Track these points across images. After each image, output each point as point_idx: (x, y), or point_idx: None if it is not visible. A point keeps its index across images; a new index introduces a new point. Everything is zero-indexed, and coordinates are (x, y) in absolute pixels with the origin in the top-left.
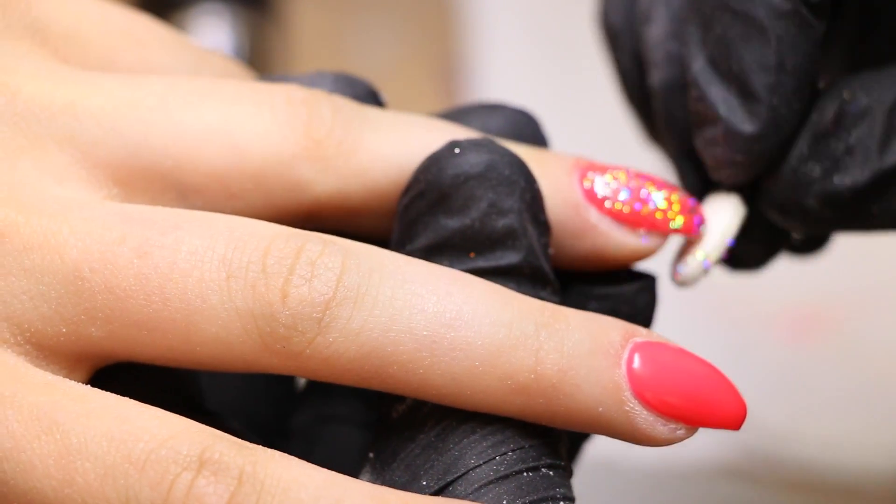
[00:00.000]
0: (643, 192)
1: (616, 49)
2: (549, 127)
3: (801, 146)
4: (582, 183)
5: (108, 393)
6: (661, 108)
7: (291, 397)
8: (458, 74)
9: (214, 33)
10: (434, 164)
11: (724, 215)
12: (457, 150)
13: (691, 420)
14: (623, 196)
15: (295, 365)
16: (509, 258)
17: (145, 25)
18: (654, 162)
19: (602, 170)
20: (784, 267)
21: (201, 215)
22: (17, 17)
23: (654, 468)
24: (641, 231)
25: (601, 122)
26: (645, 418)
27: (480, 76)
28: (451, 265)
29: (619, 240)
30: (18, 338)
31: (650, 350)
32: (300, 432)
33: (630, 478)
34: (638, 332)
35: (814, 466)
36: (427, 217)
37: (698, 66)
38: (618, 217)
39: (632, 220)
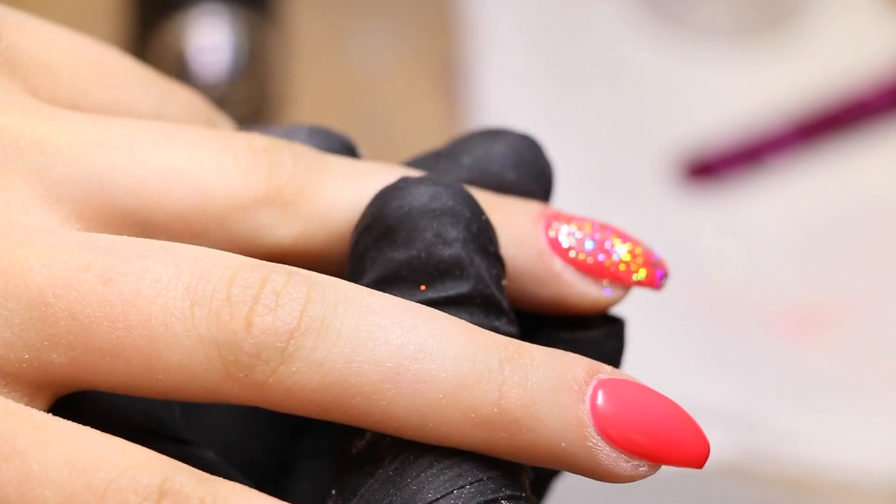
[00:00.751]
0: (607, 244)
1: None
2: (549, 126)
3: None
4: (547, 232)
5: (69, 422)
6: None
7: (284, 444)
8: (458, 75)
9: (214, 34)
10: (379, 199)
11: None
12: (401, 185)
13: (655, 457)
14: (587, 246)
15: (257, 395)
16: (458, 288)
17: (114, 59)
18: (647, 156)
19: (567, 220)
20: (784, 267)
21: (166, 245)
22: None
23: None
24: (605, 282)
25: (600, 122)
26: (608, 455)
27: (480, 76)
28: (401, 298)
29: (582, 290)
30: None
31: (614, 387)
32: (302, 466)
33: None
34: (602, 370)
35: (814, 465)
36: (374, 251)
37: None
38: (581, 267)
39: (595, 270)
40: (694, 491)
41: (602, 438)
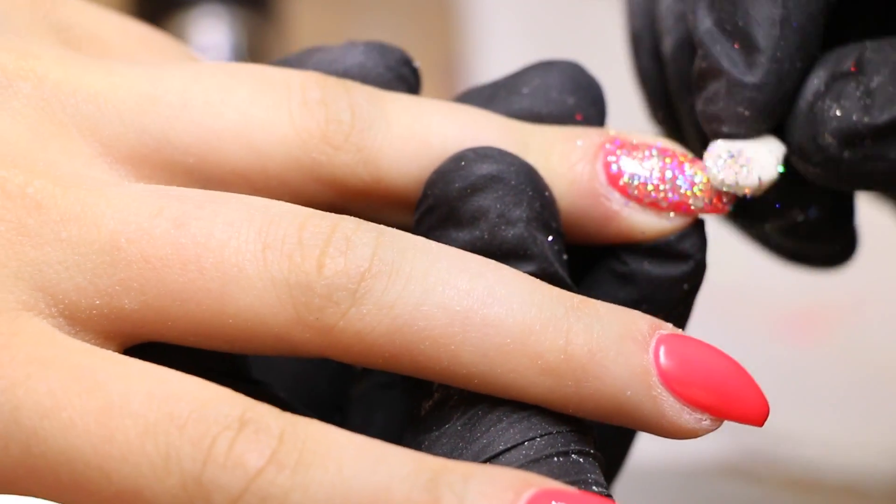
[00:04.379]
0: (669, 174)
1: (637, 52)
2: None
3: (817, 83)
4: (607, 167)
5: (145, 361)
6: (673, 71)
7: (349, 373)
8: (458, 74)
9: (214, 35)
10: (441, 179)
11: (765, 146)
12: (462, 163)
13: (717, 412)
14: (651, 177)
15: (327, 341)
16: (523, 268)
17: (162, 38)
18: None
19: (630, 148)
20: (785, 268)
21: (236, 195)
22: (42, 16)
23: (655, 467)
24: (669, 213)
25: None
26: (672, 405)
27: (480, 76)
28: None
29: (645, 223)
30: (52, 309)
31: (676, 342)
32: (359, 401)
33: (630, 477)
34: (664, 326)
35: (814, 466)
36: (438, 231)
37: (705, 27)
38: (643, 201)
39: (657, 204)
40: (694, 490)
41: (666, 389)
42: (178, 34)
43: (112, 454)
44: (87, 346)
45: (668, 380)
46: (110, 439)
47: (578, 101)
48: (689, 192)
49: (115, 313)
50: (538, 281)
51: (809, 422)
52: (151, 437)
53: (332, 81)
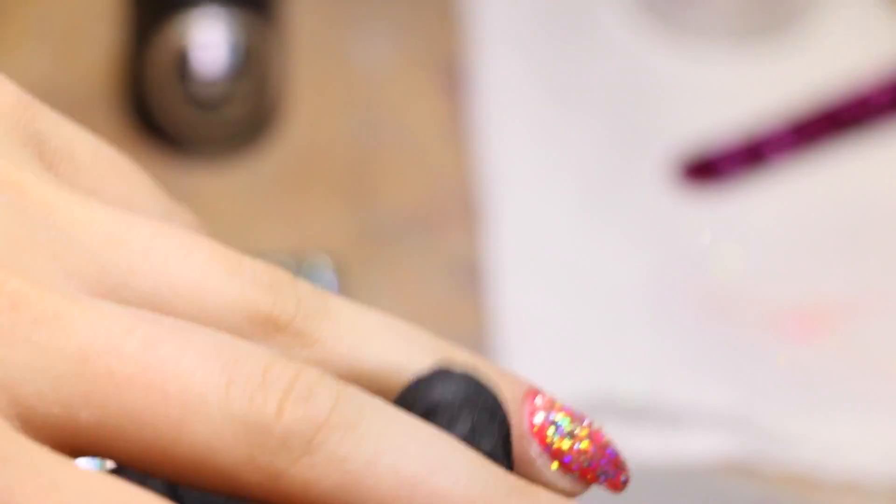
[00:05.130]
0: (581, 440)
1: None
2: (550, 126)
3: None
4: (531, 416)
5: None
6: None
7: None
8: (458, 74)
9: (213, 35)
10: (423, 385)
11: None
12: (442, 376)
13: None
14: (564, 437)
15: (274, 486)
16: None
17: (129, 163)
18: (648, 156)
19: (550, 406)
20: (785, 267)
21: (206, 329)
22: (23, 126)
23: (655, 467)
24: (573, 476)
25: (600, 121)
26: None
27: (481, 76)
28: None
29: (549, 479)
30: (10, 410)
31: None
32: None
33: (630, 477)
34: None
35: (814, 466)
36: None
37: None
38: (555, 456)
39: (568, 466)
40: (694, 490)
41: None
42: (178, 35)
43: None
44: (44, 448)
45: None
46: None
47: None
48: (591, 462)
49: (71, 425)
50: (483, 459)
51: (809, 421)
52: None
53: (282, 275)
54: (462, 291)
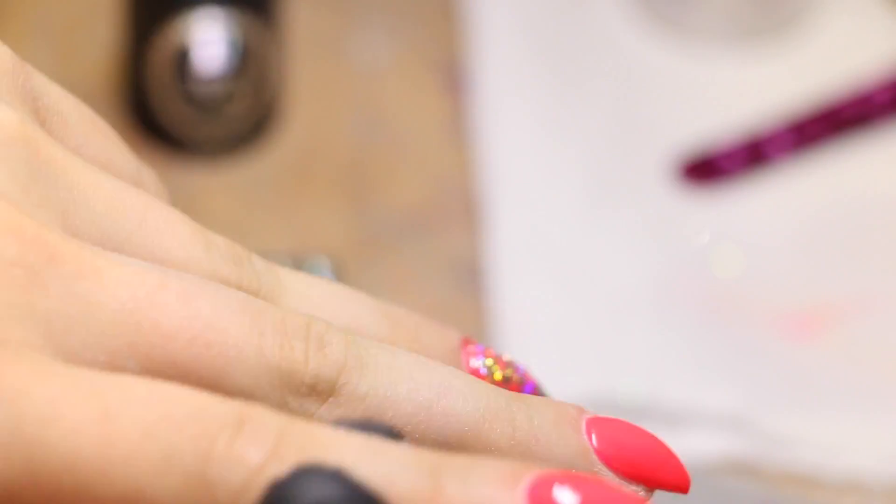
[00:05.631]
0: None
1: None
2: (550, 126)
3: None
4: (468, 359)
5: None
6: None
7: None
8: (459, 74)
9: (213, 35)
10: (273, 494)
11: None
12: (291, 479)
13: (648, 483)
14: (490, 372)
15: None
16: None
17: (104, 123)
18: (648, 156)
19: (483, 352)
20: (785, 267)
21: (222, 285)
22: (21, 84)
23: None
24: None
25: (601, 121)
26: (612, 480)
27: (481, 75)
28: None
29: None
30: (56, 356)
31: (603, 424)
32: None
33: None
34: (586, 411)
35: (814, 466)
36: None
37: None
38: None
39: None
40: (694, 489)
41: (605, 465)
42: (178, 35)
43: (114, 458)
44: (81, 368)
45: (603, 458)
46: (112, 444)
47: None
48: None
49: (117, 371)
50: (476, 378)
51: (810, 422)
52: (152, 438)
53: (240, 250)
54: (462, 291)
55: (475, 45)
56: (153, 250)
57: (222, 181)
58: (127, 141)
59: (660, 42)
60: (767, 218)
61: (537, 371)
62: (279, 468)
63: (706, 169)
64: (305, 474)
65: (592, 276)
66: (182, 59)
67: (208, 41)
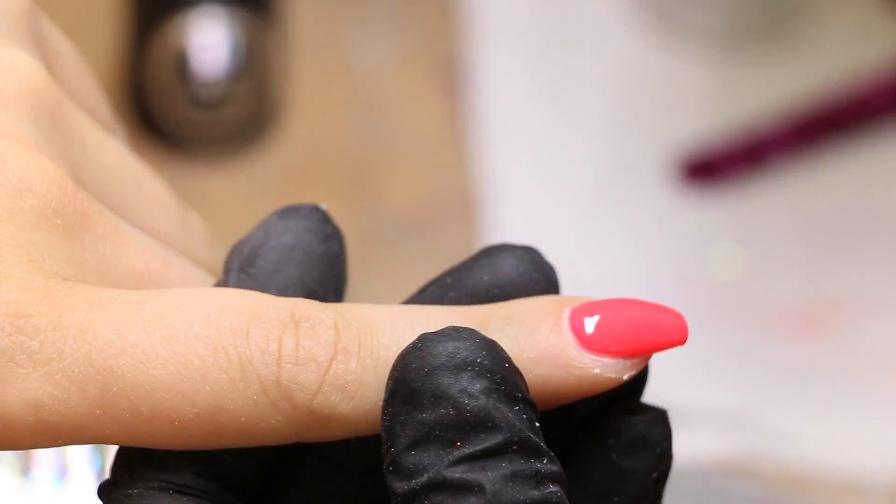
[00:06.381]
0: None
1: None
2: (549, 126)
3: None
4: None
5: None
6: None
7: None
8: (458, 74)
9: (214, 34)
10: (400, 363)
11: None
12: (419, 345)
13: (645, 350)
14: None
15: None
16: (492, 439)
17: (90, 71)
18: (648, 156)
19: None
20: (785, 267)
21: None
22: (33, 27)
23: None
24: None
25: (600, 121)
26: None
27: (480, 76)
28: (439, 458)
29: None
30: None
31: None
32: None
33: None
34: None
35: (814, 466)
36: (403, 415)
37: None
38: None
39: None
40: (694, 490)
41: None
42: (178, 34)
43: (190, 376)
44: (130, 290)
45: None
46: (185, 363)
47: (535, 277)
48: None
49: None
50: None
51: (809, 421)
52: (222, 352)
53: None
54: None
55: (475, 46)
56: (142, 216)
57: (223, 181)
58: (127, 141)
59: (659, 42)
60: (768, 218)
61: None
62: (347, 362)
63: (706, 169)
64: (435, 337)
65: (592, 275)
66: (182, 59)
67: (209, 42)
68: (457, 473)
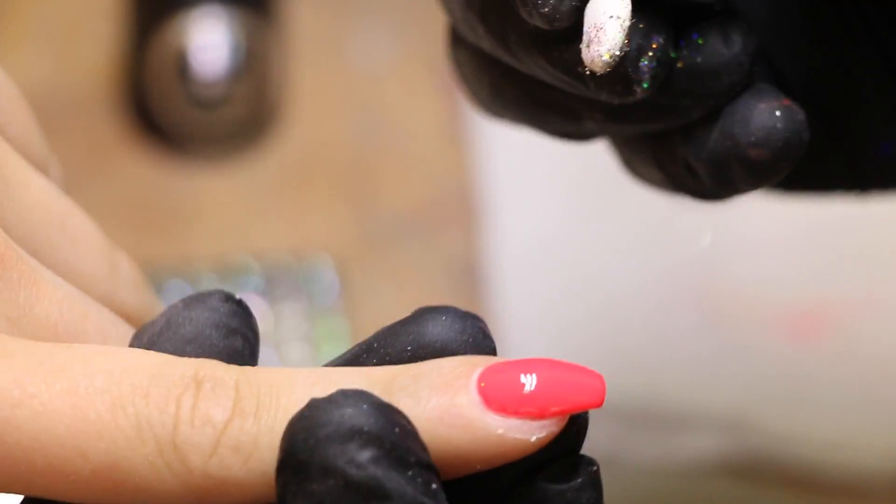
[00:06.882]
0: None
1: None
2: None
3: None
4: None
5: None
6: None
7: None
8: None
9: (214, 34)
10: (287, 432)
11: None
12: (306, 413)
13: (561, 411)
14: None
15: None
16: None
17: (27, 105)
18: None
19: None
20: (785, 268)
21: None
22: None
23: (655, 468)
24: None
25: None
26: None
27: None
28: None
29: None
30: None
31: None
32: None
33: (631, 478)
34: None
35: (814, 467)
36: (293, 486)
37: None
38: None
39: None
40: (694, 491)
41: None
42: (178, 34)
43: (86, 432)
44: (38, 342)
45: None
46: (83, 418)
47: (463, 340)
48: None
49: None
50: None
51: (809, 422)
52: (121, 409)
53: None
54: (462, 291)
55: None
56: (67, 257)
57: (223, 182)
58: (127, 141)
59: None
60: (767, 219)
61: None
62: (243, 424)
63: None
64: (322, 404)
65: (592, 276)
66: (182, 59)
67: (209, 42)
68: None
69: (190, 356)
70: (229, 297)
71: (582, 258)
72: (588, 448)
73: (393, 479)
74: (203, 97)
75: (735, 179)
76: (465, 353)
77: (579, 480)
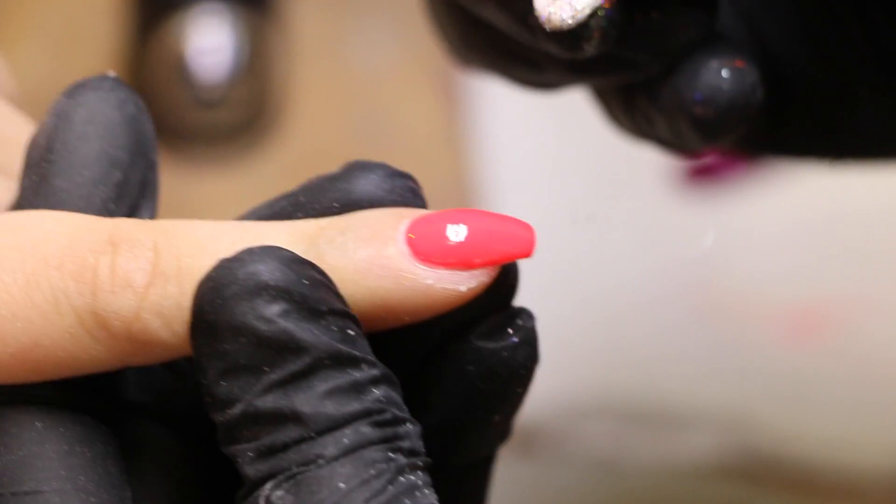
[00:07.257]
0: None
1: None
2: (548, 126)
3: None
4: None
5: None
6: None
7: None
8: (458, 76)
9: (214, 34)
10: (196, 294)
11: None
12: (213, 274)
13: (491, 261)
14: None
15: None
16: (301, 361)
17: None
18: (647, 156)
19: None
20: (784, 268)
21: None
22: None
23: (655, 468)
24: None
25: (599, 120)
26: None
27: (480, 77)
28: (249, 386)
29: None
30: None
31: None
32: None
33: (630, 478)
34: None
35: (813, 467)
36: (207, 348)
37: None
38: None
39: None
40: (694, 491)
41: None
42: (178, 34)
43: (1, 314)
44: None
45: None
46: None
47: (394, 192)
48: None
49: None
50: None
51: (809, 422)
52: (35, 285)
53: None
54: None
55: None
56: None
57: (224, 182)
58: None
59: None
60: (767, 219)
61: (537, 372)
62: (165, 286)
63: (706, 169)
64: (229, 263)
65: (592, 276)
66: (183, 60)
67: (209, 43)
68: (268, 402)
69: (93, 136)
70: (106, 76)
71: (581, 257)
72: (588, 446)
73: (305, 330)
74: (203, 97)
75: (685, 135)
76: (395, 204)
77: (514, 339)
